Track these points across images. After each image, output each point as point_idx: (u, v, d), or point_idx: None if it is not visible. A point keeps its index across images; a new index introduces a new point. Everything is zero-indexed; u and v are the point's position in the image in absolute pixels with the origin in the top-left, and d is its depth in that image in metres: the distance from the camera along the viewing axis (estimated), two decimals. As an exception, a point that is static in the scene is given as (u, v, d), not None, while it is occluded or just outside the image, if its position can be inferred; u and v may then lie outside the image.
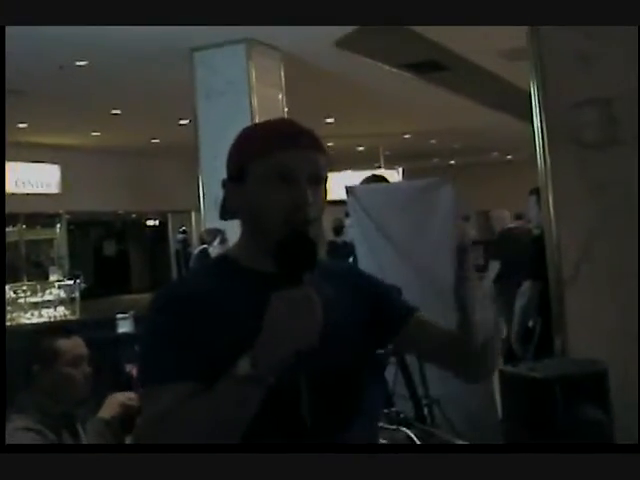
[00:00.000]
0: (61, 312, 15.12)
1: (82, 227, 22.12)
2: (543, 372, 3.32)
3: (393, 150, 19.38)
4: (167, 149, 16.48)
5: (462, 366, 1.71)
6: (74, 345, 2.86)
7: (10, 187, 15.74)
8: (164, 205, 19.48)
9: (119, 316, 6.55)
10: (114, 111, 12.65)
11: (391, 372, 4.08)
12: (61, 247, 18.11)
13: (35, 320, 14.20)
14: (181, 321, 1.54)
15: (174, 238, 19.99)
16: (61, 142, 15.73)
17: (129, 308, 6.97)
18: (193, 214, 18.06)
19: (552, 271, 4.31)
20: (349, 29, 8.07)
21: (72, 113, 12.59)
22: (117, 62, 9.26)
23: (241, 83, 8.42)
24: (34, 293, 15.36)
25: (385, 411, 3.37)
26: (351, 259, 5.12)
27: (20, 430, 2.65)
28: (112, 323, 6.45)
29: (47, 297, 15.39)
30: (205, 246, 8.48)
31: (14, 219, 16.95)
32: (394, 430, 3.09)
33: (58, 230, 18.09)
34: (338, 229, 10.28)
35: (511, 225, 9.93)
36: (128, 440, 2.78)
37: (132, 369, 3.53)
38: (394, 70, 10.30)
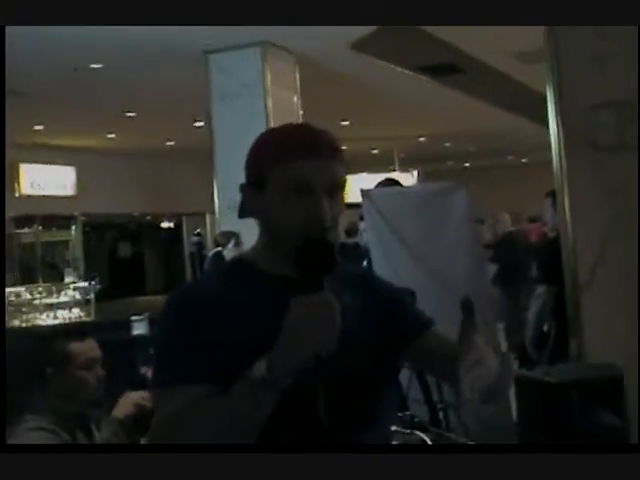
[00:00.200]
0: (76, 314, 15.17)
1: (97, 229, 22.19)
2: (558, 376, 3.29)
3: (408, 153, 19.36)
4: (182, 151, 16.50)
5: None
6: (87, 348, 2.86)
7: (26, 189, 15.82)
8: (179, 207, 19.52)
9: (134, 318, 6.57)
10: (129, 113, 12.68)
11: (405, 375, 4.08)
12: (76, 249, 18.17)
13: (50, 321, 14.26)
14: (196, 323, 1.54)
15: (189, 240, 20.03)
16: (77, 144, 15.79)
17: (144, 310, 6.99)
18: (208, 216, 18.08)
19: (568, 275, 4.29)
20: (364, 31, 8.06)
21: (87, 115, 12.64)
22: (132, 64, 9.28)
23: (256, 86, 8.42)
24: (49, 294, 15.43)
25: (399, 415, 3.36)
26: (365, 262, 5.11)
27: (34, 430, 2.66)
28: (127, 325, 6.47)
29: (62, 299, 15.45)
30: (219, 249, 8.48)
31: (30, 221, 17.02)
32: (408, 434, 3.08)
33: (73, 232, 18.15)
34: (350, 231, 10.29)
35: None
36: (142, 441, 2.78)
37: (147, 371, 3.53)
38: (409, 72, 10.28)
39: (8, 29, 2.17)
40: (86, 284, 16.34)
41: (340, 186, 1.62)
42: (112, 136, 15.19)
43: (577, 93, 4.33)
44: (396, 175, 16.32)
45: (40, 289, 15.65)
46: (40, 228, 17.39)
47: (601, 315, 4.17)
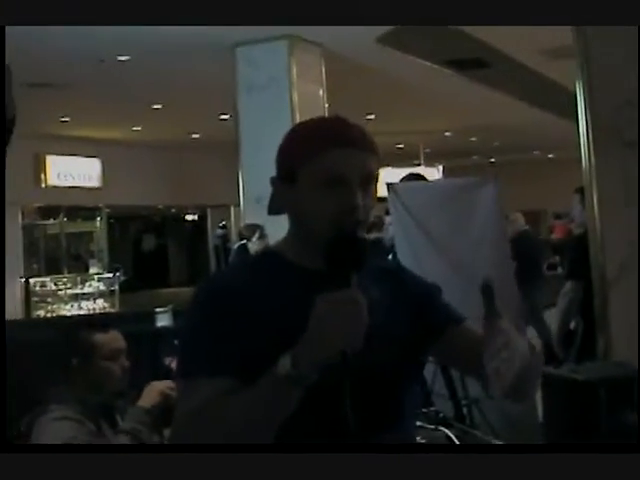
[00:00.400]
0: (100, 305, 15.28)
1: (122, 221, 22.28)
2: (585, 374, 3.27)
3: (433, 147, 19.30)
4: (207, 144, 16.53)
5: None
6: (112, 339, 2.87)
7: (52, 180, 15.92)
8: (203, 200, 19.55)
9: (158, 310, 6.58)
10: (155, 106, 12.72)
11: (430, 370, 4.06)
12: (101, 240, 18.26)
13: (75, 312, 14.36)
14: (224, 314, 1.53)
15: (213, 233, 20.07)
16: (102, 136, 15.85)
17: (168, 302, 7.01)
18: (232, 209, 18.10)
19: (596, 272, 4.25)
20: (391, 25, 8.03)
21: (113, 107, 12.68)
22: (158, 57, 9.31)
23: (282, 79, 8.42)
24: (74, 285, 15.56)
25: (424, 410, 3.34)
26: (390, 257, 5.09)
27: (60, 420, 2.67)
28: (151, 317, 6.49)
29: (87, 289, 15.58)
30: (244, 242, 8.48)
31: (55, 212, 17.14)
32: (433, 430, 3.06)
33: (98, 223, 18.25)
34: (376, 226, 10.25)
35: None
36: (165, 432, 2.79)
37: (171, 362, 3.53)
38: (435, 67, 10.25)
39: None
40: (110, 275, 16.44)
41: (373, 179, 1.60)
42: (138, 128, 15.25)
43: (607, 89, 4.29)
44: (421, 170, 16.28)
45: (65, 280, 15.77)
46: (65, 219, 17.50)
47: (629, 312, 4.13)
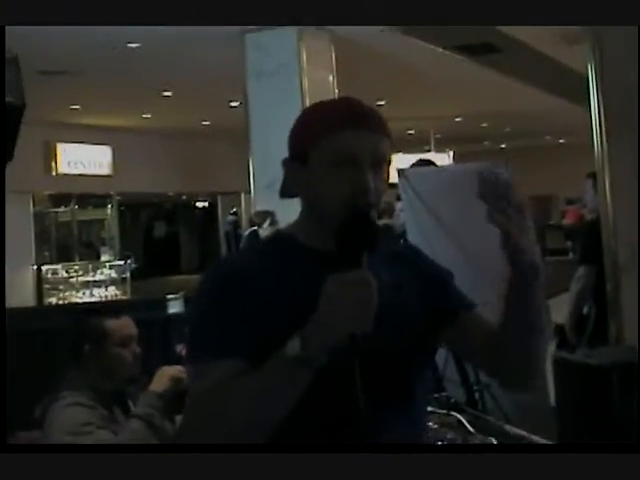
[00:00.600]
0: (112, 292, 15.32)
1: (133, 208, 22.35)
2: (598, 359, 3.26)
3: (444, 133, 19.26)
4: (217, 131, 16.53)
5: (505, 371, 1.66)
6: (123, 325, 2.87)
7: (63, 168, 15.95)
8: (214, 187, 19.58)
9: (170, 297, 6.59)
10: (165, 93, 12.71)
11: (441, 356, 4.05)
12: (112, 228, 18.32)
13: (87, 299, 14.40)
14: (233, 297, 1.52)
15: (224, 220, 20.08)
16: (113, 124, 15.87)
17: (179, 289, 7.01)
18: (243, 196, 18.10)
19: (608, 257, 4.24)
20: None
21: (124, 95, 12.69)
22: (168, 44, 9.29)
23: (292, 65, 8.39)
24: (85, 273, 15.60)
25: (435, 396, 3.34)
26: (402, 242, 5.08)
27: (73, 405, 2.68)
28: (163, 303, 6.50)
29: (98, 277, 15.62)
30: (255, 228, 8.49)
31: (66, 199, 17.18)
32: (445, 415, 3.06)
33: (109, 211, 18.29)
34: (386, 212, 10.22)
35: None
36: (178, 418, 2.79)
37: (182, 349, 3.54)
38: (446, 52, 10.20)
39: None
40: (122, 263, 16.48)
41: (385, 161, 1.58)
42: (148, 115, 15.25)
43: (619, 75, 4.27)
44: (431, 155, 16.23)
45: (76, 267, 15.82)
46: (76, 207, 17.55)
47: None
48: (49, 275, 15.33)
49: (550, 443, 2.91)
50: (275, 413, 1.44)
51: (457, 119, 17.65)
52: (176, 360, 2.96)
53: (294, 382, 1.42)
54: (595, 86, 4.34)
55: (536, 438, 2.90)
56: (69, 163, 16.10)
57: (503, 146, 23.63)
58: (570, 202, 21.72)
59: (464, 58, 10.63)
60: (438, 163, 6.70)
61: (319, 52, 8.66)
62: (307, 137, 1.58)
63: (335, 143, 1.54)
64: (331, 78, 8.73)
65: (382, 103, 13.73)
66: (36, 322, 4.54)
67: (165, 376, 2.78)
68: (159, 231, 24.90)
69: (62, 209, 17.35)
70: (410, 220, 5.01)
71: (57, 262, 16.06)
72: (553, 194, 24.63)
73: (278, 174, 1.66)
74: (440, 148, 19.68)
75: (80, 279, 15.40)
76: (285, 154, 1.63)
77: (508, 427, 3.09)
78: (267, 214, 8.10)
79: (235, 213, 18.83)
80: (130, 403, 2.85)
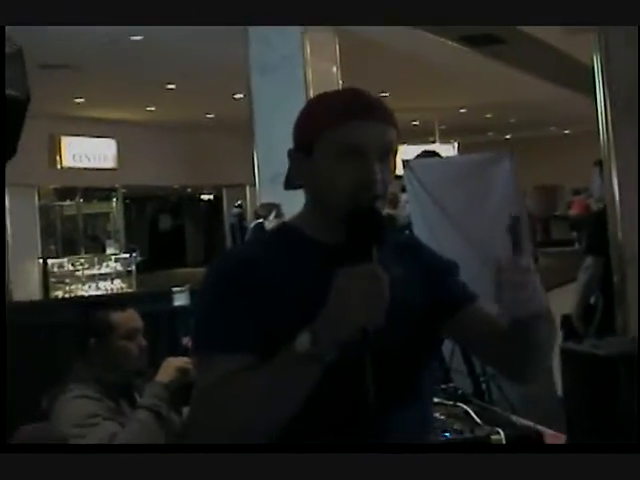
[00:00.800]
0: (118, 285, 15.35)
1: (138, 201, 22.35)
2: (606, 350, 3.25)
3: (448, 124, 19.23)
4: (222, 123, 16.52)
5: (508, 363, 1.64)
6: (129, 318, 2.87)
7: (68, 161, 15.96)
8: (219, 179, 19.58)
9: (175, 289, 6.59)
10: (169, 86, 12.71)
11: (448, 347, 4.05)
12: (117, 221, 18.33)
13: (92, 292, 14.42)
14: (239, 288, 1.50)
15: (229, 212, 20.09)
16: (117, 117, 15.87)
17: (184, 282, 7.01)
18: (248, 188, 18.11)
19: (614, 247, 4.23)
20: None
21: (128, 88, 12.69)
22: (171, 37, 9.28)
23: (296, 57, 8.36)
24: (91, 266, 15.63)
25: (442, 387, 3.34)
26: (407, 233, 5.08)
27: (79, 398, 2.69)
28: (168, 296, 6.50)
29: (104, 270, 15.64)
30: (260, 220, 8.48)
31: (71, 193, 17.21)
32: (452, 406, 3.06)
33: (114, 204, 18.31)
34: (391, 203, 10.21)
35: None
36: (185, 410, 2.79)
37: (188, 342, 3.54)
38: (450, 43, 10.17)
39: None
40: (127, 256, 16.50)
41: (392, 152, 1.57)
42: (152, 108, 15.25)
43: (623, 63, 4.25)
44: (436, 147, 16.22)
45: (82, 260, 15.85)
46: (81, 200, 17.57)
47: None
48: (55, 269, 15.35)
49: (551, 442, 2.91)
50: (284, 409, 1.43)
51: (462, 110, 17.61)
52: (182, 353, 2.96)
53: (304, 378, 1.41)
54: (600, 75, 4.33)
55: (542, 429, 2.90)
56: (74, 156, 16.11)
57: (508, 137, 23.58)
58: (576, 192, 21.68)
59: (468, 49, 10.60)
60: (443, 154, 6.70)
61: (323, 44, 8.63)
62: (312, 128, 1.56)
63: (341, 134, 1.52)
64: (335, 70, 8.70)
65: (386, 94, 13.71)
66: (42, 316, 4.54)
67: (171, 367, 2.78)
68: (164, 224, 24.92)
69: (67, 202, 17.38)
70: (415, 211, 5.01)
71: (63, 255, 16.09)
72: (559, 185, 24.59)
73: (282, 167, 1.65)
74: (445, 139, 19.65)
75: (86, 272, 15.42)
76: (289, 146, 1.62)
77: (515, 418, 3.09)
78: (273, 206, 8.08)
79: (240, 206, 18.83)
80: (137, 395, 2.85)
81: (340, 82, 8.64)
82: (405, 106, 15.07)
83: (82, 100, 13.71)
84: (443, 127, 19.36)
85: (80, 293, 14.48)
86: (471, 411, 2.98)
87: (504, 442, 2.70)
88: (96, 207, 18.48)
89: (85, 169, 16.30)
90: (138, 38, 9.34)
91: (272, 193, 7.91)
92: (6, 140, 2.42)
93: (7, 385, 2.83)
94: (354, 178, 1.51)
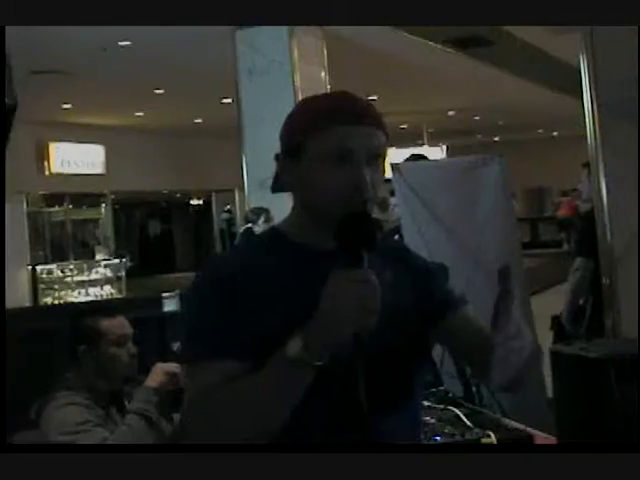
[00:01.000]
0: (107, 291, 15.30)
1: (127, 207, 22.30)
2: (595, 352, 3.25)
3: (437, 127, 19.26)
4: (210, 128, 16.51)
5: (493, 374, 1.58)
6: (118, 325, 2.87)
7: (56, 167, 15.92)
8: (208, 184, 19.57)
9: (165, 295, 6.58)
10: (157, 91, 12.69)
11: (438, 350, 4.04)
12: (106, 227, 18.31)
13: (82, 298, 14.38)
14: (228, 295, 1.49)
15: (218, 217, 20.08)
16: (105, 122, 15.84)
17: (174, 287, 7.00)
18: (237, 193, 18.11)
19: (603, 248, 4.24)
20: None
21: (116, 93, 12.67)
22: (159, 42, 9.27)
23: (284, 62, 8.37)
24: (80, 272, 15.57)
25: (433, 390, 3.34)
26: (397, 237, 5.07)
27: (69, 405, 2.68)
28: (158, 302, 6.49)
29: (93, 276, 15.59)
30: (250, 225, 8.47)
31: (60, 199, 17.16)
32: (443, 410, 3.06)
33: (103, 210, 18.28)
34: (381, 207, 10.22)
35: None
36: (175, 418, 2.79)
37: (178, 347, 3.54)
38: (438, 46, 10.19)
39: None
40: (117, 261, 16.47)
41: (381, 155, 1.55)
42: (140, 114, 15.23)
43: (610, 64, 4.26)
44: (425, 150, 16.25)
45: (71, 267, 15.80)
46: (70, 206, 17.52)
47: (637, 290, 4.12)
48: (44, 275, 15.30)
49: (546, 443, 2.91)
50: (276, 414, 1.42)
51: (450, 113, 17.65)
52: (172, 358, 2.95)
53: (295, 383, 1.40)
54: (587, 76, 4.34)
55: (533, 431, 2.90)
56: (62, 162, 16.08)
57: (496, 139, 23.65)
58: (564, 194, 21.77)
59: (456, 52, 10.62)
60: (431, 157, 6.70)
61: (311, 48, 8.64)
62: (301, 132, 1.54)
63: (330, 138, 1.51)
64: (323, 74, 8.71)
65: (374, 98, 13.73)
66: (31, 323, 4.52)
67: (161, 372, 2.78)
68: (154, 229, 24.88)
69: (56, 208, 17.33)
70: (405, 215, 5.00)
71: (52, 262, 16.04)
72: (546, 186, 24.68)
73: (271, 171, 1.64)
74: (433, 142, 19.70)
75: (75, 278, 15.37)
76: (277, 151, 1.61)
77: (505, 420, 3.09)
78: (262, 211, 8.08)
79: (229, 210, 18.83)
80: (126, 403, 2.85)
81: (328, 86, 8.65)
82: (393, 109, 15.10)
83: (70, 106, 13.68)
84: (431, 130, 19.41)
85: (70, 299, 14.43)
86: (462, 414, 2.98)
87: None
88: (85, 213, 18.43)
89: (74, 175, 16.26)
90: (126, 43, 9.33)
91: (261, 197, 7.91)
92: (6, 141, 2.42)
93: (6, 386, 2.82)
94: (343, 182, 1.50)
